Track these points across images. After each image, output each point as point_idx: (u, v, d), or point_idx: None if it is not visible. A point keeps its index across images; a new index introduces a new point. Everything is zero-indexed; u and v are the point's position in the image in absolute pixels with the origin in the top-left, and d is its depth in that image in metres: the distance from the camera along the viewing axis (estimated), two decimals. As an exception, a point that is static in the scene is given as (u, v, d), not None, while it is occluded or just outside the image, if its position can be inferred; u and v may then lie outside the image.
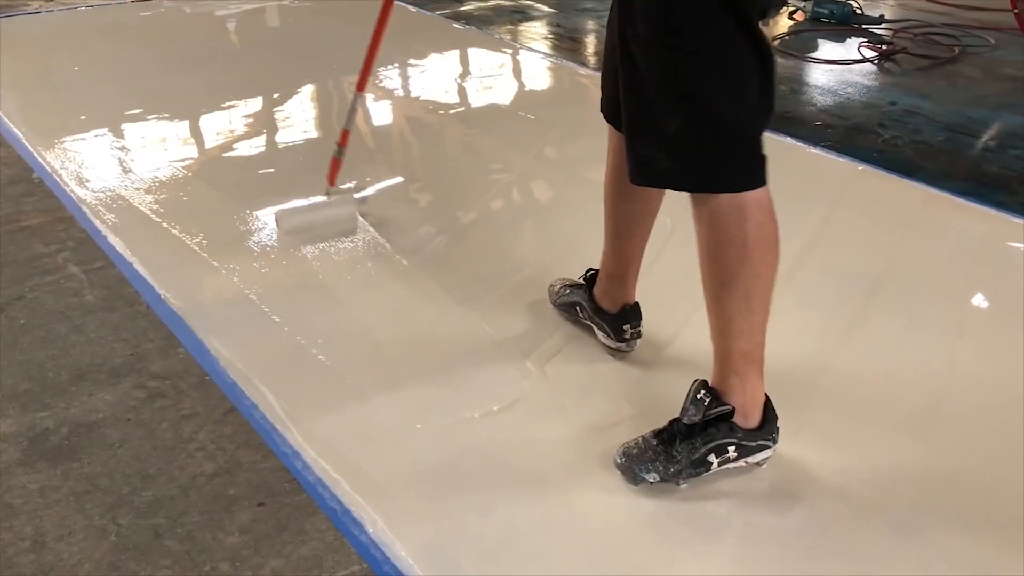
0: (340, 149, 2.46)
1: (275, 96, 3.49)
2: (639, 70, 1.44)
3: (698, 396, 1.56)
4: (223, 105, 3.37)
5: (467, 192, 2.71)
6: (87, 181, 2.73)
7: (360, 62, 2.33)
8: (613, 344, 1.92)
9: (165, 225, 2.48)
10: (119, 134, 3.10)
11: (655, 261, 2.27)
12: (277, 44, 4.17)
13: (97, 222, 2.48)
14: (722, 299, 1.50)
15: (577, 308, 2.01)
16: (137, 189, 2.69)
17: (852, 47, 4.06)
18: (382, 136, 3.26)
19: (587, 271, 2.01)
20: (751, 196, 1.44)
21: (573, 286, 2.04)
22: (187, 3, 4.75)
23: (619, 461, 1.60)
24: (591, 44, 4.23)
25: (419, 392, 1.85)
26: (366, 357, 1.96)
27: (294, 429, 1.72)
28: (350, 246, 2.39)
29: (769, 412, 1.59)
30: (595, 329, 1.97)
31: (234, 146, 3.00)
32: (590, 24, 4.55)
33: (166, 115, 3.26)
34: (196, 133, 3.12)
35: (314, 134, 3.16)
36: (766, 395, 1.59)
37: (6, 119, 3.17)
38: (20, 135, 3.04)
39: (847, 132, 3.15)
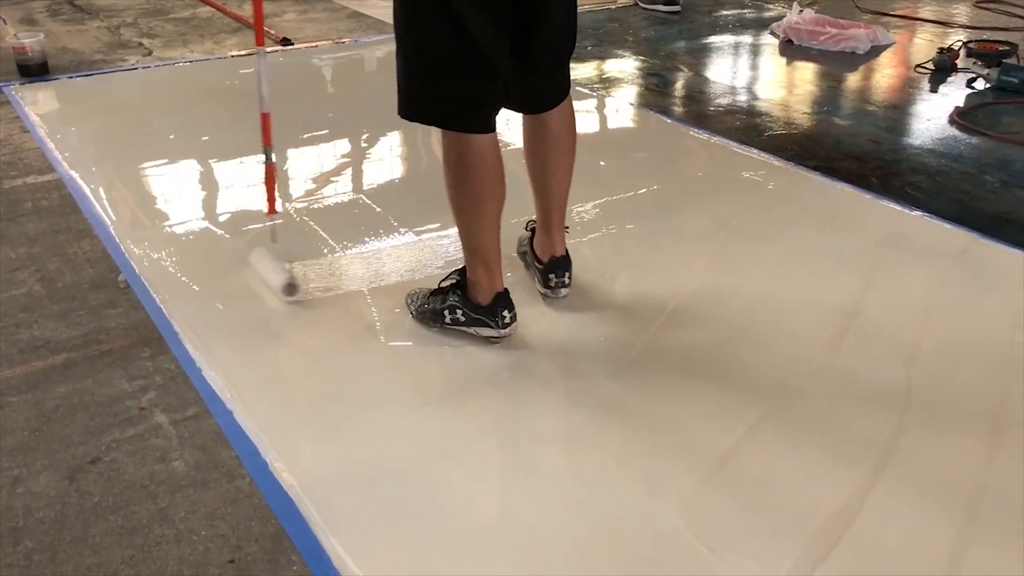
0: (267, 149, 2.37)
1: (382, 174, 3.07)
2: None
3: (458, 268, 2.07)
4: (341, 188, 2.95)
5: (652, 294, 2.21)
6: (181, 287, 2.31)
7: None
8: (542, 290, 2.22)
9: (279, 355, 2.05)
10: (222, 223, 2.69)
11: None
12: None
13: (190, 347, 2.05)
14: (450, 204, 1.96)
15: (526, 256, 2.29)
16: (243, 298, 2.26)
17: (1054, 124, 3.47)
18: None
19: (528, 222, 2.28)
20: (453, 134, 1.86)
21: (526, 238, 2.30)
22: (289, 54, 4.39)
23: (406, 297, 2.18)
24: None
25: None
26: (524, 567, 1.46)
27: None
28: (509, 391, 1.91)
29: (500, 302, 2.01)
30: (534, 275, 2.25)
31: (360, 244, 2.56)
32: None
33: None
34: (313, 222, 2.69)
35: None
36: (505, 291, 2.02)
37: (94, 201, 2.80)
38: (108, 222, 2.65)
39: (1086, 241, 2.57)
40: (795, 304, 2.23)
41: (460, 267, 2.07)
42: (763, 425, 1.80)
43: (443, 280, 2.10)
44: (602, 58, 4.45)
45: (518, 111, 2.06)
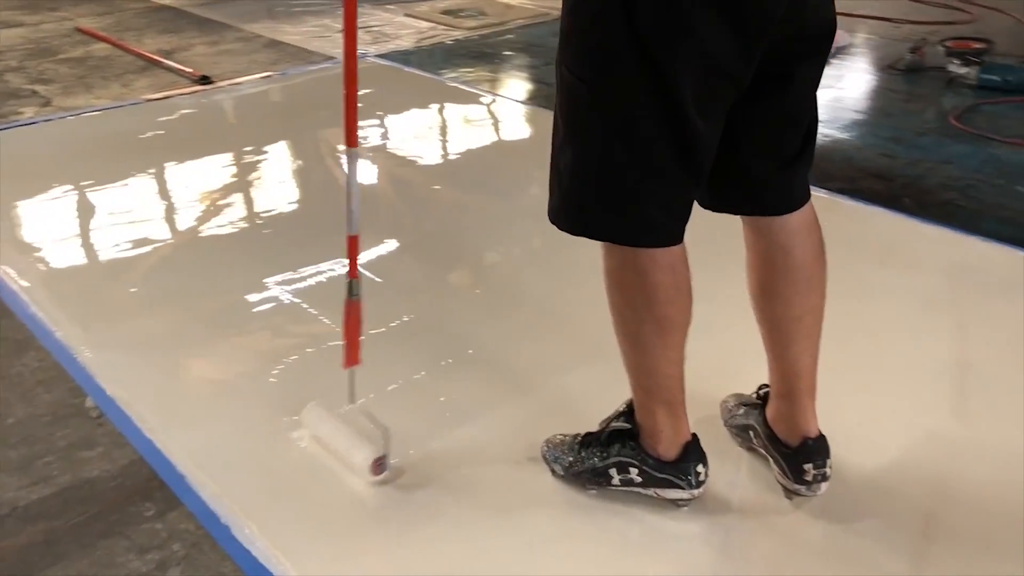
0: (353, 283, 1.63)
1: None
2: (557, 96, 1.37)
3: (619, 408, 1.57)
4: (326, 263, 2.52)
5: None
6: (172, 406, 1.87)
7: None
8: (790, 485, 1.55)
9: (333, 499, 1.63)
10: (196, 310, 2.23)
11: None
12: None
13: (207, 495, 1.62)
14: (618, 336, 1.47)
15: (751, 433, 1.66)
16: (258, 407, 1.84)
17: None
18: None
19: (760, 387, 1.65)
20: (632, 249, 1.37)
21: (748, 405, 1.68)
22: (213, 93, 3.91)
23: (543, 448, 1.65)
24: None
25: None
26: None
27: None
28: None
29: (690, 453, 1.51)
30: (771, 462, 1.60)
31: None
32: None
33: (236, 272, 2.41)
34: (304, 302, 2.27)
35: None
36: (694, 438, 1.53)
37: (28, 300, 2.29)
38: (51, 326, 2.17)
39: None
40: (895, 362, 1.96)
41: (623, 407, 1.57)
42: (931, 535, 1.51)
43: (605, 423, 1.58)
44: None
45: (734, 212, 1.49)
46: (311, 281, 2.36)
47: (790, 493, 1.56)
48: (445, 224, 2.76)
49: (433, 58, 4.46)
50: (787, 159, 1.42)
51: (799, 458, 1.53)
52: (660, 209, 1.33)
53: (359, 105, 1.61)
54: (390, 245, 2.57)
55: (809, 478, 1.52)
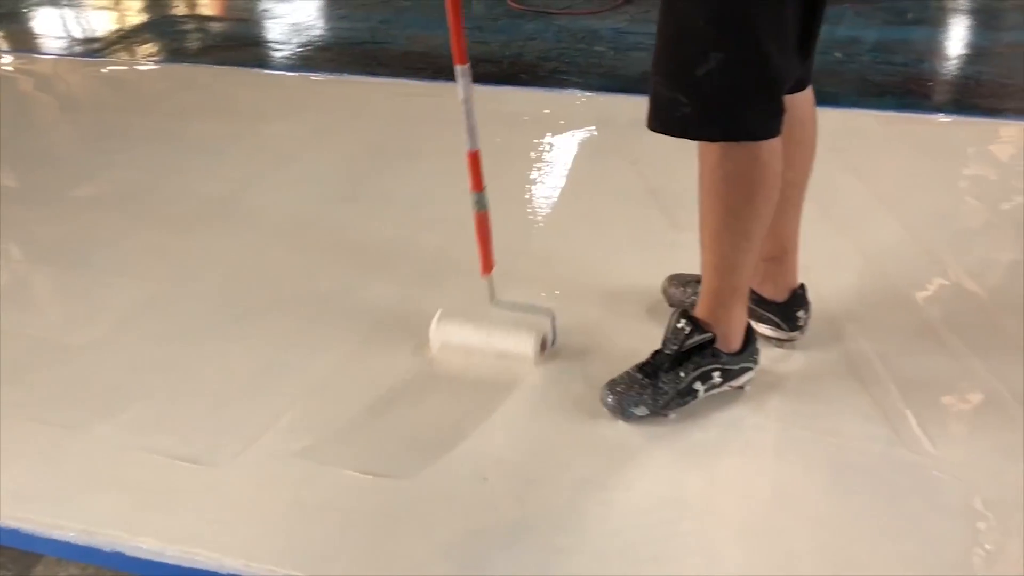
0: (479, 196, 1.67)
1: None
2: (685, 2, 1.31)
3: (677, 326, 1.55)
4: None
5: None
6: None
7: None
8: (785, 336, 1.73)
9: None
10: None
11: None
12: None
13: (71, 536, 1.42)
14: (722, 237, 1.47)
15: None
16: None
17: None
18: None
19: None
20: (752, 144, 1.38)
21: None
22: None
23: (608, 400, 1.57)
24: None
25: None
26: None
27: None
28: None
29: (750, 333, 1.60)
30: (755, 323, 1.70)
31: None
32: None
33: None
34: None
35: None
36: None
37: None
38: None
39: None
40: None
41: (682, 324, 1.55)
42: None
43: (675, 343, 1.55)
44: None
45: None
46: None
47: (783, 342, 1.73)
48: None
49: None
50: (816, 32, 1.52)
51: (792, 308, 1.70)
52: (785, 93, 1.38)
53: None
54: None
55: (802, 323, 1.72)
